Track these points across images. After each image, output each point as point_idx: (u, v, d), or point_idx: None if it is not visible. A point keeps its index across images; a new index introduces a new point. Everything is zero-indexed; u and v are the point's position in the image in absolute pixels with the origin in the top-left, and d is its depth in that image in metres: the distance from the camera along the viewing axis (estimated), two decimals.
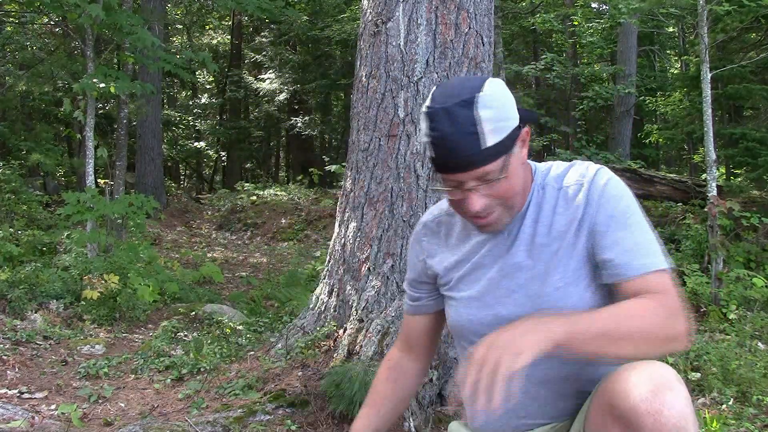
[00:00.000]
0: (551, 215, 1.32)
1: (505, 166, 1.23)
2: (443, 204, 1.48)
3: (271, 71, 16.31)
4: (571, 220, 1.30)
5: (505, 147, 1.23)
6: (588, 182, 1.31)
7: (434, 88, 1.29)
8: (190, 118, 18.62)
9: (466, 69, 3.06)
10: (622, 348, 1.18)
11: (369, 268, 3.00)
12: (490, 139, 1.20)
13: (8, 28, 11.24)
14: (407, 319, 1.58)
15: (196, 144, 19.24)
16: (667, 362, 3.39)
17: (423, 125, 1.25)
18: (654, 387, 1.10)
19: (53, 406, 2.94)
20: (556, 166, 1.38)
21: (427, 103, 1.24)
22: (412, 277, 1.54)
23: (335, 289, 3.14)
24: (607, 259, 1.27)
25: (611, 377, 1.18)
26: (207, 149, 19.90)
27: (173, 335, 4.09)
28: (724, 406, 2.90)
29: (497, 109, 1.21)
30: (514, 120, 1.25)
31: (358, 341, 2.89)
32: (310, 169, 13.67)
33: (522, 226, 1.34)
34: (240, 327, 4.23)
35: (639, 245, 1.27)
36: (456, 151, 1.21)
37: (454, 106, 1.20)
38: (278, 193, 12.85)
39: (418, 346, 1.56)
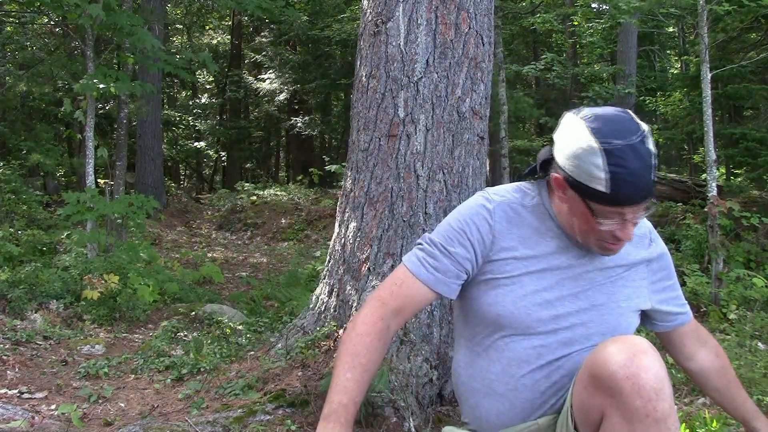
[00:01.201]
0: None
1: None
2: (508, 191, 1.51)
3: (271, 71, 16.30)
4: (641, 258, 1.51)
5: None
6: (654, 234, 1.56)
7: (589, 123, 1.32)
8: (190, 118, 18.59)
9: (466, 69, 3.06)
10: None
11: (369, 268, 3.00)
12: (655, 172, 1.33)
13: (8, 28, 11.24)
14: (414, 287, 1.44)
15: (196, 144, 19.21)
16: (667, 362, 3.38)
17: (598, 161, 1.28)
18: (630, 354, 1.20)
19: (53, 406, 2.94)
20: None
21: (596, 139, 1.29)
22: (458, 250, 1.44)
23: (335, 289, 3.14)
24: (675, 312, 1.58)
25: (591, 353, 1.29)
26: (207, 149, 19.88)
27: (173, 335, 4.09)
28: None
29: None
30: None
31: None
32: (310, 169, 13.67)
33: None
34: (240, 327, 4.23)
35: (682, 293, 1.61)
36: (640, 185, 1.30)
37: (637, 143, 1.28)
38: (278, 193, 12.85)
39: (408, 313, 1.46)
